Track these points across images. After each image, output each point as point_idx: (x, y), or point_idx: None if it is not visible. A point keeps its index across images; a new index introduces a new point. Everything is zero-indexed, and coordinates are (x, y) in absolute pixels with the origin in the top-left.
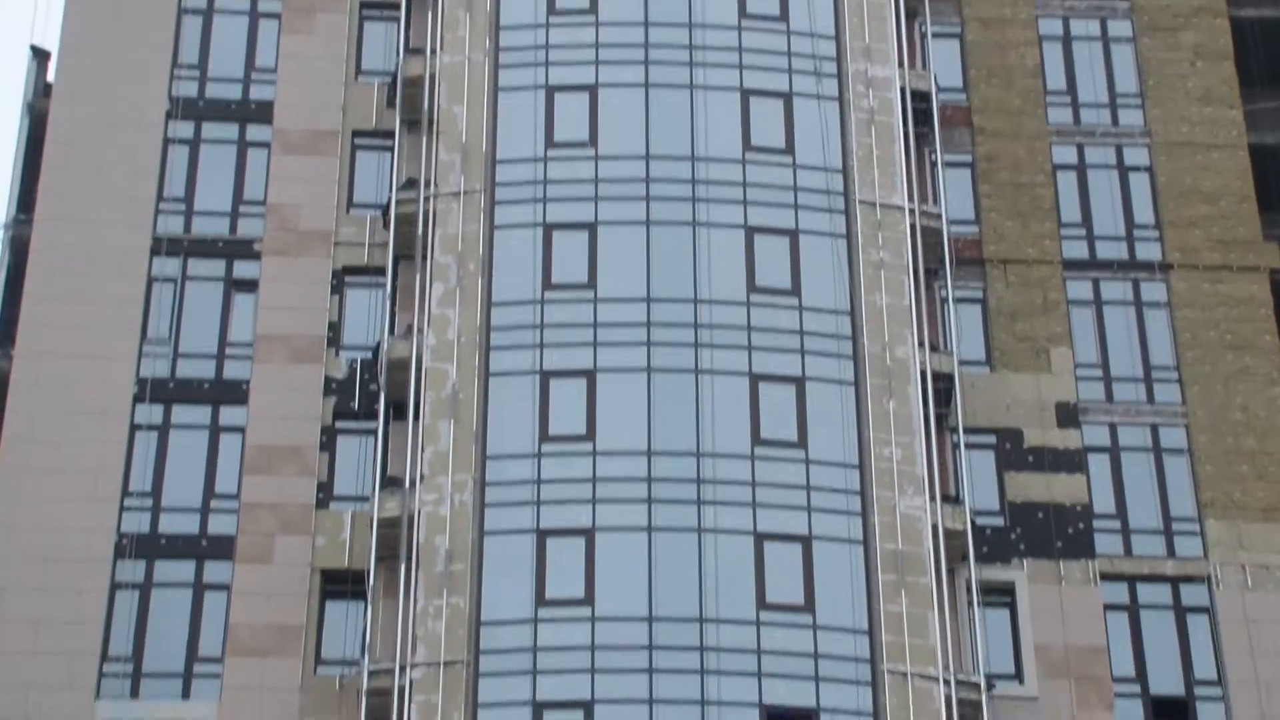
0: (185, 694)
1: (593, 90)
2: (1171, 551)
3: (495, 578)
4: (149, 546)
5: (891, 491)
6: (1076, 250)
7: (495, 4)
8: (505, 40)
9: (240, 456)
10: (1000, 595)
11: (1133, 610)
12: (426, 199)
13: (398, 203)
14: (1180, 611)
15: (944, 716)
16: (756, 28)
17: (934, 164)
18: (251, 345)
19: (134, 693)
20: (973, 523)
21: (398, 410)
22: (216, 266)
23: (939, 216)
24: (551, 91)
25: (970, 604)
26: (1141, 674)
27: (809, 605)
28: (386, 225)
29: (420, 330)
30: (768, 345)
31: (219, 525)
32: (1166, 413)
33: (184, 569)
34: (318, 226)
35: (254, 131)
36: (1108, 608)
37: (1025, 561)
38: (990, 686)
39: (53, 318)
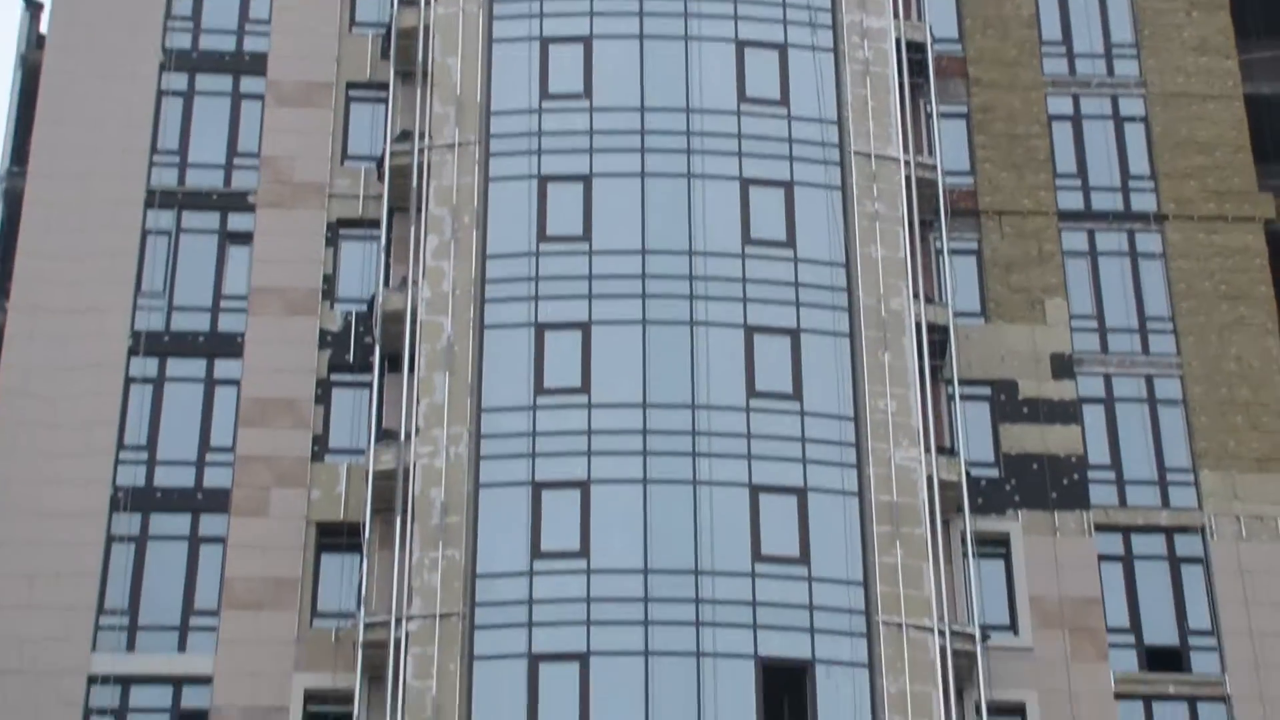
0: (181, 647)
1: (587, 41)
2: (1166, 502)
3: (490, 530)
4: (144, 500)
5: (886, 443)
6: (1072, 201)
7: None
8: None
9: (235, 409)
10: (995, 546)
11: (1127, 561)
12: (421, 151)
13: (392, 155)
14: (1175, 562)
15: (939, 667)
16: None
17: (929, 115)
18: (246, 298)
19: (130, 646)
20: (967, 474)
21: (393, 363)
22: (211, 219)
23: (934, 168)
24: (546, 43)
25: (965, 555)
26: (1136, 624)
27: (804, 557)
28: (381, 177)
29: (415, 283)
30: (762, 297)
31: (214, 478)
32: (1161, 364)
33: (179, 522)
34: (312, 179)
35: (248, 83)
36: (1102, 559)
37: (1020, 513)
38: (985, 637)
39: (47, 271)
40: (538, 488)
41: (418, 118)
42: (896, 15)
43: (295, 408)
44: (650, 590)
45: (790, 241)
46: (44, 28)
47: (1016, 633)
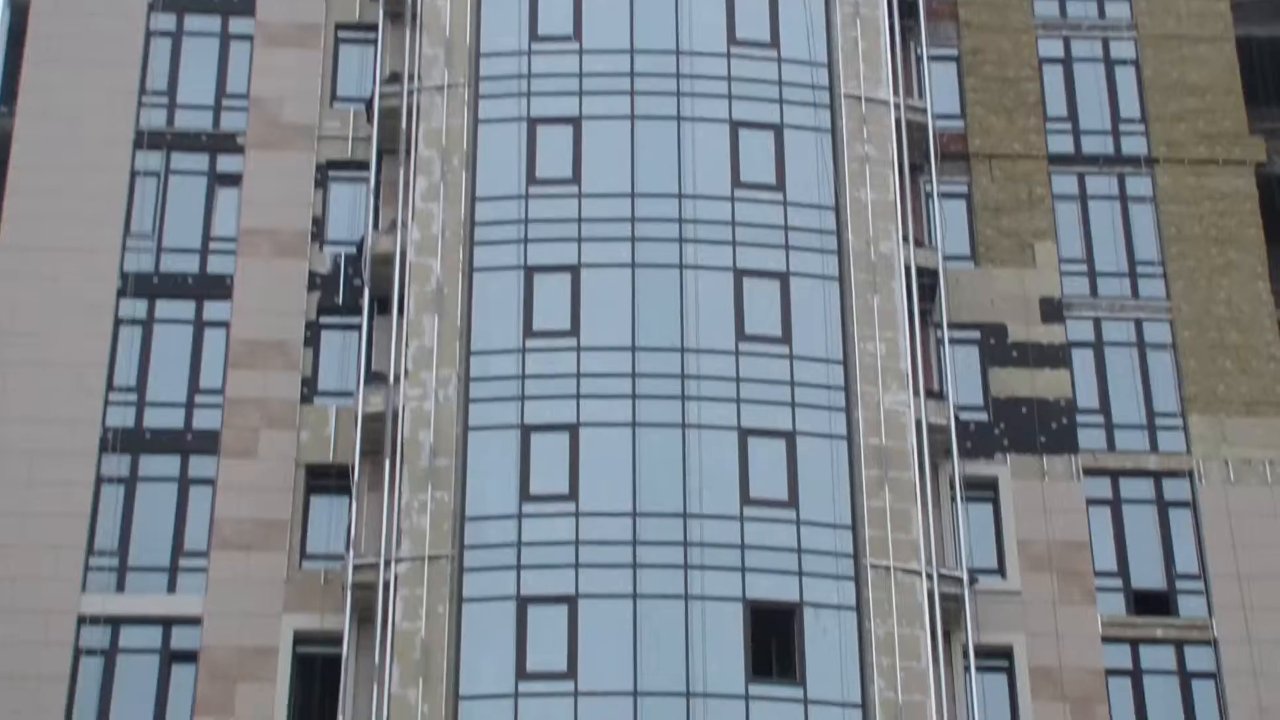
0: (171, 588)
1: None
2: (1154, 446)
3: (479, 473)
4: (134, 441)
5: (875, 387)
6: (1062, 145)
7: None
8: None
9: (225, 351)
10: (983, 490)
11: (1115, 505)
12: (410, 93)
13: (381, 96)
14: (1163, 506)
15: (926, 611)
16: None
17: (919, 58)
18: (235, 240)
19: (120, 586)
20: (956, 418)
21: (382, 305)
22: (200, 160)
23: (924, 111)
24: None
25: (953, 499)
26: (1123, 568)
27: (792, 501)
28: (370, 119)
29: (404, 225)
30: (752, 240)
31: (204, 420)
32: (1151, 308)
33: (169, 463)
34: (301, 120)
35: (236, 24)
36: (1090, 502)
37: (1008, 456)
38: (973, 581)
39: (36, 211)
40: (527, 431)
41: (407, 59)
42: None
43: (284, 350)
44: (639, 533)
45: (780, 185)
46: None
47: (1004, 576)
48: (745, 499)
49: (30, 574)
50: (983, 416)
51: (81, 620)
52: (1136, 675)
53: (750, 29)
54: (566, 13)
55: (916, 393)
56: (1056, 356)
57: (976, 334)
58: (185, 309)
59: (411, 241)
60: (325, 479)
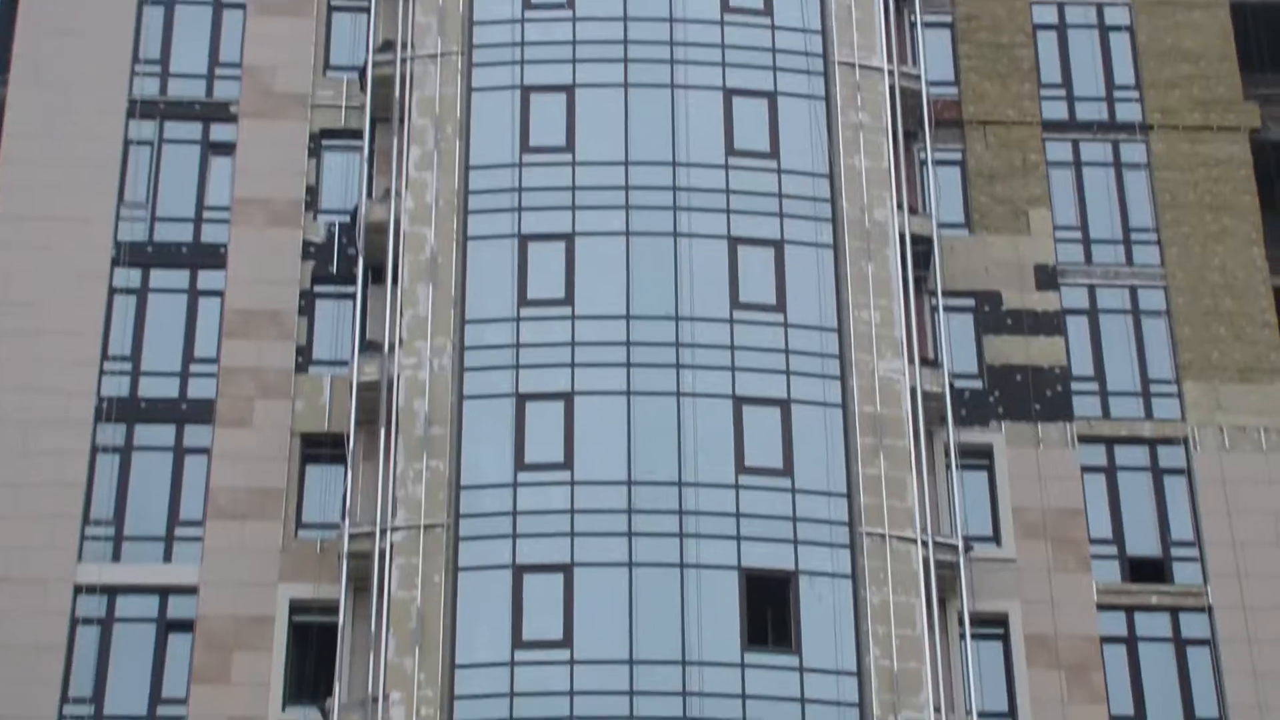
0: (167, 557)
1: None
2: (1149, 413)
3: (475, 442)
4: (129, 410)
5: (870, 355)
6: (1056, 111)
7: None
8: None
9: (219, 320)
10: (978, 458)
11: (1110, 472)
12: (403, 61)
13: (374, 65)
14: (1157, 473)
15: (921, 578)
16: None
17: (913, 24)
18: (229, 209)
19: (116, 556)
20: (951, 385)
21: (376, 274)
22: (193, 129)
23: (918, 78)
24: None
25: (948, 467)
26: (1118, 535)
27: (788, 469)
28: (363, 88)
29: (398, 194)
30: (746, 208)
31: (198, 389)
32: (1145, 274)
33: (164, 433)
34: (294, 89)
35: None
36: (1085, 470)
37: (1003, 424)
38: (968, 549)
39: (29, 180)
40: (522, 399)
41: (400, 27)
42: None
43: (279, 319)
44: (634, 502)
45: (774, 152)
46: None
47: (999, 544)
48: (740, 467)
49: (26, 543)
50: (977, 384)
51: (78, 589)
52: (1131, 642)
53: None
54: None
55: (911, 360)
56: (1051, 324)
57: (971, 301)
58: (179, 278)
59: (405, 210)
60: (320, 448)
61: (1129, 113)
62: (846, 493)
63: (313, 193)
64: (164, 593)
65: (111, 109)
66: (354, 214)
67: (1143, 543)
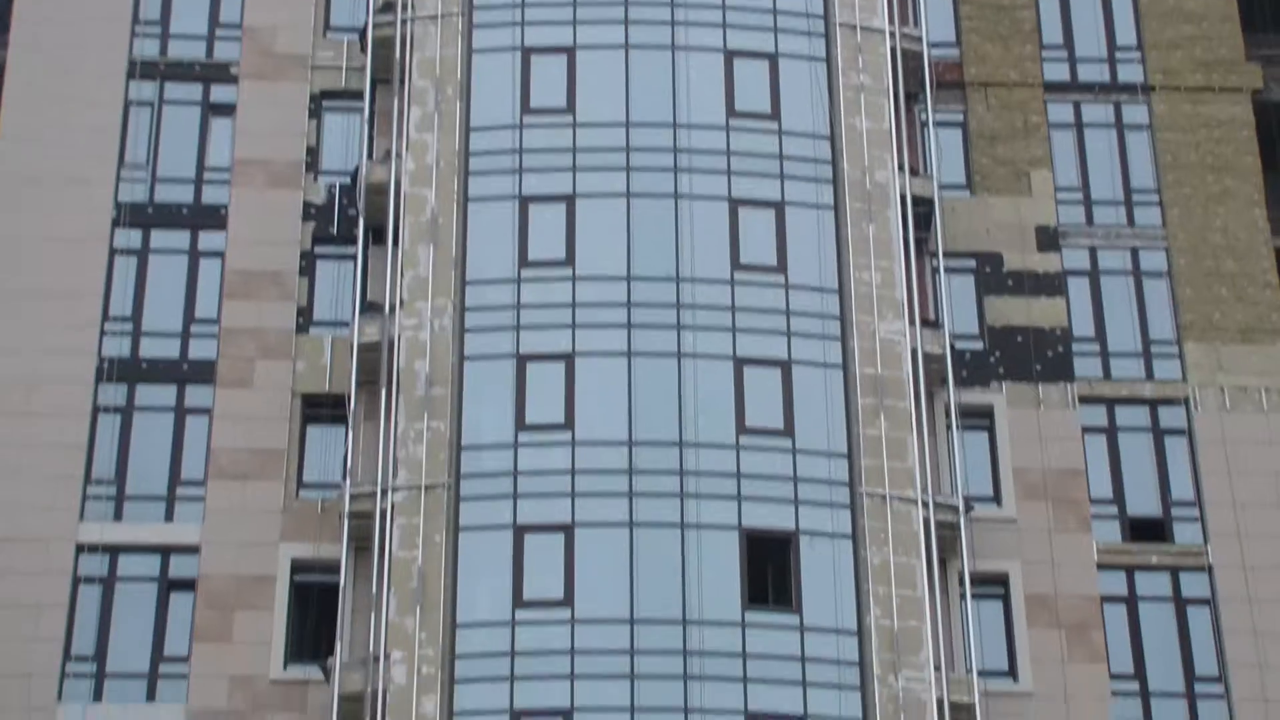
0: (169, 517)
1: None
2: (1150, 374)
3: (475, 402)
4: (130, 371)
5: (871, 316)
6: (1058, 73)
7: None
8: None
9: (220, 281)
10: (979, 419)
11: (1111, 433)
12: (404, 22)
13: (375, 26)
14: (1158, 434)
15: (922, 539)
16: None
17: None
18: (229, 170)
19: (117, 515)
20: (952, 347)
21: (377, 235)
22: (193, 90)
23: (919, 39)
24: None
25: (949, 428)
26: (1119, 496)
27: (788, 430)
28: (364, 49)
29: (398, 155)
30: (747, 170)
31: (199, 350)
32: (1146, 236)
33: (165, 393)
34: (294, 50)
35: None
36: (1086, 430)
37: (1004, 385)
38: (968, 509)
39: (30, 142)
40: (522, 360)
41: None
42: None
43: (279, 280)
44: (635, 462)
45: (775, 114)
46: None
47: (1000, 504)
48: (741, 428)
49: (29, 503)
50: (978, 345)
51: (80, 549)
52: (1132, 602)
53: None
54: None
55: (912, 321)
56: (1052, 285)
57: (972, 263)
58: (180, 239)
59: (406, 171)
60: (321, 409)
61: (1131, 74)
62: (847, 453)
63: (313, 154)
64: (165, 552)
65: (112, 70)
66: (354, 175)
67: (1143, 503)
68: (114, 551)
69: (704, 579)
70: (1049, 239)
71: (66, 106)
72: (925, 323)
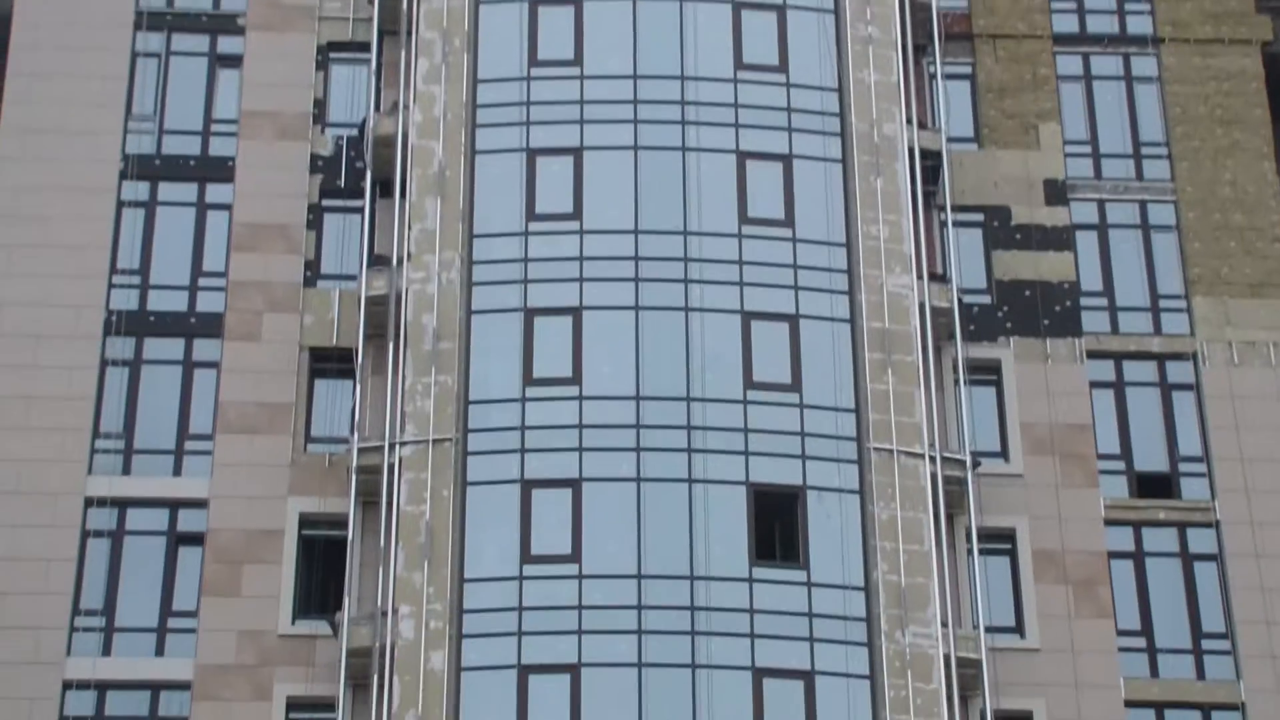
0: (177, 471)
1: None
2: (1158, 329)
3: (483, 356)
4: (138, 324)
5: (879, 270)
6: (1067, 24)
7: None
8: None
9: (227, 234)
10: (986, 373)
11: (1118, 387)
12: None
13: None
14: (1166, 388)
15: (929, 493)
16: None
17: None
18: (237, 122)
19: (125, 469)
20: (960, 301)
21: (384, 188)
22: (201, 42)
23: None
24: None
25: (956, 382)
26: (1126, 451)
27: (795, 384)
28: (370, 0)
29: (406, 107)
30: (755, 123)
31: (207, 303)
32: (1155, 189)
33: (173, 346)
34: (301, 1)
35: None
36: (1094, 385)
37: (1012, 339)
38: (976, 464)
39: (37, 93)
40: (530, 314)
41: None
42: None
43: (287, 233)
44: (642, 417)
45: (782, 66)
46: None
47: (1007, 459)
48: (748, 383)
49: (37, 456)
50: (986, 299)
51: (88, 502)
52: (1139, 558)
53: None
54: None
55: (919, 275)
56: (1060, 239)
57: (980, 216)
58: (187, 191)
59: (413, 124)
60: (328, 362)
61: (1140, 25)
62: (855, 408)
63: (320, 106)
64: (174, 506)
65: (118, 21)
66: (362, 127)
67: (1151, 458)
68: (122, 505)
69: (711, 534)
70: (1057, 192)
71: (73, 58)
72: (933, 277)
